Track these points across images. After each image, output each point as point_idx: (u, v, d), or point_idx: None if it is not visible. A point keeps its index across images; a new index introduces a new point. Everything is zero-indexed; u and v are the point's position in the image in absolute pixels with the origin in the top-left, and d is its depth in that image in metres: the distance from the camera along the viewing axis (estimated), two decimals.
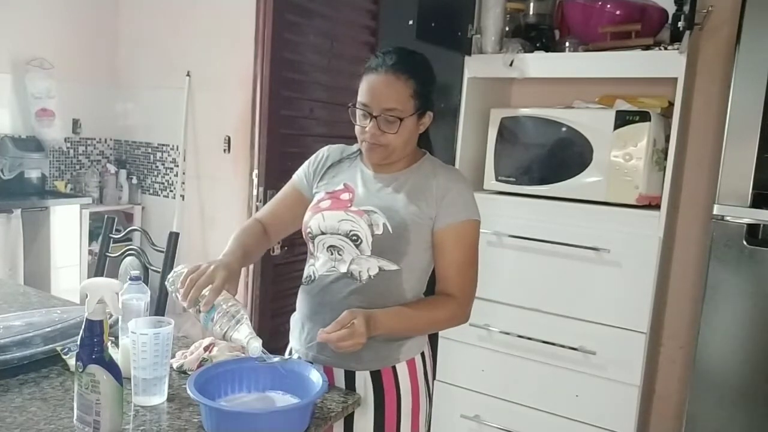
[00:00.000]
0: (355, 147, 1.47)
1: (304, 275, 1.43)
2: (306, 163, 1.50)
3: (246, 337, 1.14)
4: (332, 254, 1.35)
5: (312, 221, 1.38)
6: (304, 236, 1.42)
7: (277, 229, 1.49)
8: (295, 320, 1.46)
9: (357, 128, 1.34)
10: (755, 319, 1.83)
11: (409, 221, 1.31)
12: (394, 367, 1.35)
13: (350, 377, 1.35)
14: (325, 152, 1.49)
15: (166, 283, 1.28)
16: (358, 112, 1.33)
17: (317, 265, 1.38)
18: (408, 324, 1.32)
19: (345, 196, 1.38)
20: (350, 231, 1.32)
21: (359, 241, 1.31)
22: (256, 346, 1.14)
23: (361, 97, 1.32)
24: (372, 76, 1.31)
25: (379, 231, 1.31)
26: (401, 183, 1.36)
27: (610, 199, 2.03)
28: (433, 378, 1.46)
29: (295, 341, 1.44)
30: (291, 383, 1.22)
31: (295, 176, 1.51)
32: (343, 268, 1.33)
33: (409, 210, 1.32)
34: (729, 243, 1.84)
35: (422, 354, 1.40)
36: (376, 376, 1.34)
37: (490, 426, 2.26)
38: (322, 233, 1.36)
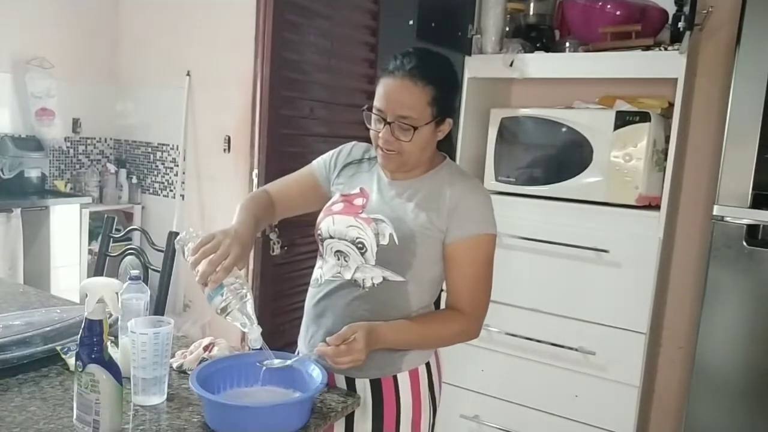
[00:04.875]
0: None
1: (313, 276, 1.41)
2: (330, 152, 1.46)
3: (247, 324, 1.13)
4: (339, 259, 1.33)
5: (323, 223, 1.36)
6: (315, 237, 1.40)
7: (283, 207, 1.44)
8: (303, 322, 1.44)
9: (371, 133, 1.30)
10: (755, 319, 1.83)
11: (417, 233, 1.27)
12: (395, 377, 1.32)
13: (350, 384, 1.33)
14: (349, 148, 1.45)
15: (175, 240, 1.23)
16: (373, 117, 1.28)
17: (325, 268, 1.36)
18: (412, 338, 1.29)
19: (359, 201, 1.35)
20: (356, 238, 1.29)
21: (364, 249, 1.29)
22: (255, 337, 1.13)
23: (377, 101, 1.26)
24: (389, 80, 1.25)
25: (384, 241, 1.27)
26: (414, 191, 1.31)
27: (610, 199, 2.03)
28: (440, 389, 1.42)
29: (301, 342, 1.43)
30: (291, 379, 1.23)
31: (314, 162, 1.47)
32: (348, 275, 1.31)
33: (418, 221, 1.27)
34: (729, 243, 1.84)
35: (427, 364, 1.37)
36: (376, 385, 1.32)
37: (490, 426, 2.26)
38: (331, 237, 1.34)
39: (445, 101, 1.27)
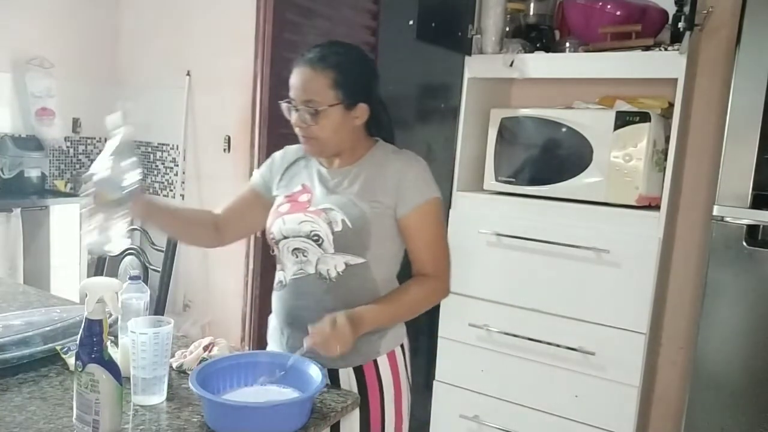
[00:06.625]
0: None
1: (276, 281, 1.44)
2: (264, 164, 1.54)
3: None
4: (297, 257, 1.36)
5: (274, 226, 1.40)
6: (268, 242, 1.43)
7: (229, 221, 1.50)
8: (274, 326, 1.47)
9: (292, 123, 1.38)
10: (755, 320, 1.83)
11: (367, 213, 1.32)
12: (375, 361, 1.37)
13: (334, 375, 1.36)
14: (281, 154, 1.53)
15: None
16: (289, 107, 1.37)
17: (286, 269, 1.40)
18: (392, 311, 1.34)
19: (303, 197, 1.40)
20: (311, 231, 1.33)
21: (320, 240, 1.33)
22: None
23: (289, 92, 1.36)
24: (294, 71, 1.35)
25: (338, 228, 1.31)
26: (355, 176, 1.37)
27: (610, 199, 2.03)
28: (411, 369, 1.48)
29: (276, 345, 1.45)
30: (290, 378, 1.23)
31: (252, 177, 1.55)
32: (311, 269, 1.35)
33: (365, 202, 1.33)
34: (729, 244, 1.83)
35: (402, 345, 1.43)
36: (359, 372, 1.36)
37: (490, 426, 2.26)
38: (285, 237, 1.37)
39: (350, 85, 1.33)
